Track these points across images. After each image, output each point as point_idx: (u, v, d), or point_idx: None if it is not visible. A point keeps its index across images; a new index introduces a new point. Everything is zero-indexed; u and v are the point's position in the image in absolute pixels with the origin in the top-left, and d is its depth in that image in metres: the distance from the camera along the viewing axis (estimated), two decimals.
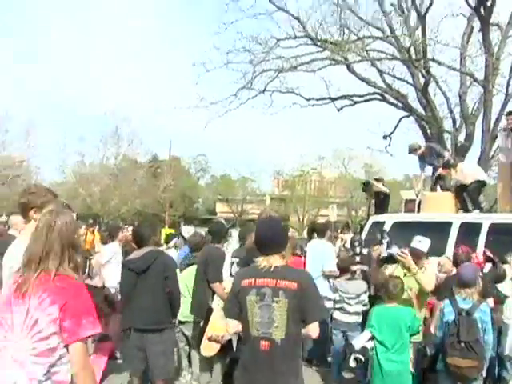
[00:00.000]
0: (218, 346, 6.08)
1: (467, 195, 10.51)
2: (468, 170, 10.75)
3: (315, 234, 8.89)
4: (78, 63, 74.47)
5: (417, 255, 6.00)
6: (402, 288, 5.62)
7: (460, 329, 5.17)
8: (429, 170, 12.43)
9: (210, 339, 6.11)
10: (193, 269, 7.26)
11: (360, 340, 5.56)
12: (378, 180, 13.85)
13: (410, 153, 12.13)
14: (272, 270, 3.57)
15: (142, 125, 48.53)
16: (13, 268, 3.13)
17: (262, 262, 3.62)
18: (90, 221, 24.99)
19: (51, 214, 2.93)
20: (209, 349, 6.20)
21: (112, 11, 74.32)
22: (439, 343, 5.45)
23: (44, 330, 2.73)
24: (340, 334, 7.23)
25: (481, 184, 10.67)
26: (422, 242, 6.14)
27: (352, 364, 5.43)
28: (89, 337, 2.82)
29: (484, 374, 5.35)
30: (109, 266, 8.23)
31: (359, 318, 7.11)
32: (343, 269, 7.37)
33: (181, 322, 7.12)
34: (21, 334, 2.76)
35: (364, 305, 7.12)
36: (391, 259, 6.28)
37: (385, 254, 6.34)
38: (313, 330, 3.58)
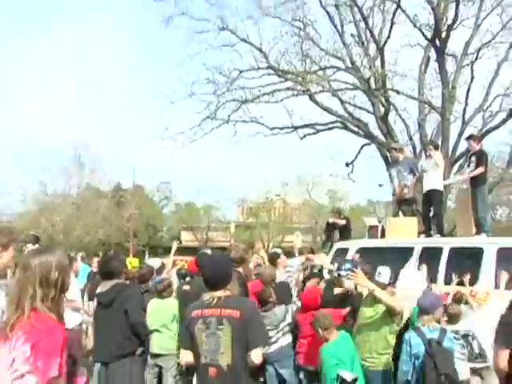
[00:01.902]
0: None
1: (432, 220, 10.75)
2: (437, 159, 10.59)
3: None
4: (40, 93, 73.69)
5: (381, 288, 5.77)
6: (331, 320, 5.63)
7: (436, 361, 4.88)
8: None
9: None
10: (159, 302, 7.19)
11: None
12: (335, 212, 13.88)
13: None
14: (215, 301, 3.80)
15: (104, 154, 48.31)
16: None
17: (207, 295, 3.88)
18: None
19: (28, 255, 2.99)
20: None
21: (72, 41, 73.92)
22: (409, 379, 5.10)
23: (19, 369, 2.75)
24: (270, 367, 6.64)
25: (441, 196, 10.94)
26: (381, 274, 5.97)
27: None
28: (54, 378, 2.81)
29: None
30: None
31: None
32: (263, 301, 6.74)
33: (155, 355, 6.99)
34: (5, 373, 2.78)
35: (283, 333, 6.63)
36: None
37: (334, 275, 6.15)
38: (255, 356, 3.72)
